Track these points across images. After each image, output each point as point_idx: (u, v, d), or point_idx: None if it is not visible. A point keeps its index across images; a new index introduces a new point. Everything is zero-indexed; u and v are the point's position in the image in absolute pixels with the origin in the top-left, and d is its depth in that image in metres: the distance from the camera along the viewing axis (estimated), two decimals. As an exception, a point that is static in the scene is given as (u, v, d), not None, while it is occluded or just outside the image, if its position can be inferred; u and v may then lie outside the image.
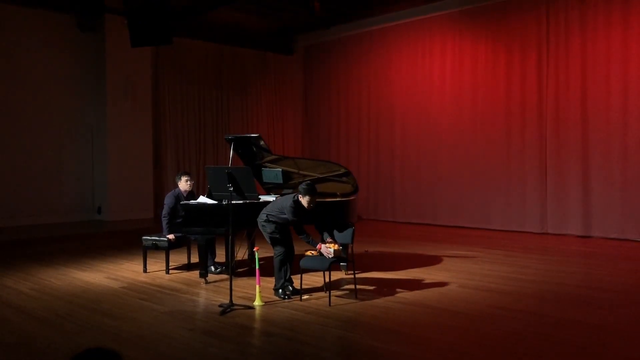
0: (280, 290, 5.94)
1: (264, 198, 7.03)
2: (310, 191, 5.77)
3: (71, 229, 10.68)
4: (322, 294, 6.06)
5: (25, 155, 11.05)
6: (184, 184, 7.41)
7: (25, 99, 11.08)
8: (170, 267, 7.37)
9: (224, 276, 6.83)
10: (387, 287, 6.34)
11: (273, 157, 7.78)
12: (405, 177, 12.88)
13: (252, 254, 7.77)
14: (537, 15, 10.73)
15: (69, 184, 11.65)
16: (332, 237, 6.02)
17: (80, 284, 6.70)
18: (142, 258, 7.48)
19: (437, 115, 12.25)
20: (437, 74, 12.28)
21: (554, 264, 7.75)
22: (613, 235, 9.80)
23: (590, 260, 8.19)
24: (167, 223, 7.29)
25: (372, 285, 6.49)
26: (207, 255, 6.90)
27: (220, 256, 7.38)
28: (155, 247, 7.33)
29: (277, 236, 5.96)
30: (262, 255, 6.84)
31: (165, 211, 7.34)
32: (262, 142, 7.51)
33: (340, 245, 5.88)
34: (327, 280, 6.02)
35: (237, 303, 5.56)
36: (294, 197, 5.85)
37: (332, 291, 5.89)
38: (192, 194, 7.49)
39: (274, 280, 6.05)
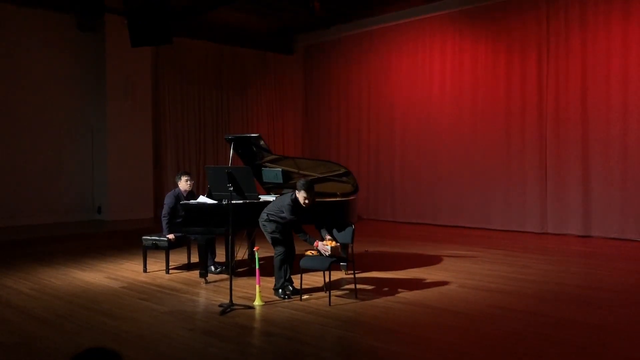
0: (280, 290, 5.94)
1: (264, 198, 7.03)
2: (305, 187, 5.77)
3: (71, 229, 10.67)
4: (322, 293, 6.06)
5: (25, 155, 11.05)
6: (184, 184, 7.41)
7: (25, 99, 11.08)
8: (170, 267, 7.37)
9: (224, 276, 6.83)
10: (387, 287, 6.34)
11: (273, 157, 7.78)
12: (405, 177, 12.88)
13: (252, 254, 7.77)
14: (537, 15, 10.72)
15: (69, 184, 11.65)
16: (332, 235, 6.02)
17: (80, 284, 6.70)
18: (142, 258, 7.48)
19: (437, 115, 12.25)
20: (437, 73, 12.28)
21: (554, 263, 7.75)
22: (613, 235, 9.80)
23: (591, 260, 8.19)
24: (167, 223, 7.29)
25: (372, 285, 6.49)
26: (207, 255, 6.90)
27: (220, 256, 7.38)
28: (155, 247, 7.33)
29: (278, 236, 5.96)
30: (262, 255, 6.84)
31: (165, 211, 7.34)
32: (262, 142, 7.51)
33: (338, 242, 5.88)
34: (327, 280, 6.01)
35: (237, 303, 5.56)
36: (292, 195, 5.86)
37: (332, 291, 5.88)
38: (192, 194, 7.49)
39: (274, 280, 6.05)
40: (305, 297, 5.92)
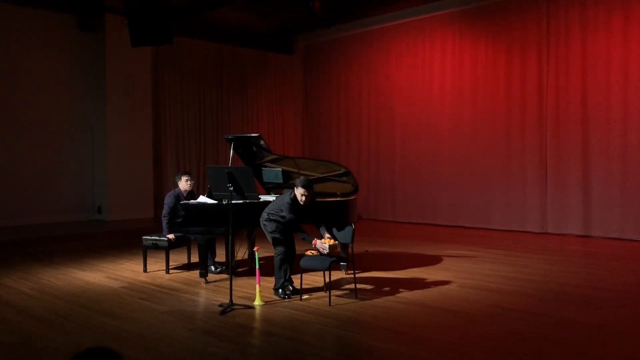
0: (280, 290, 5.94)
1: (264, 198, 7.03)
2: (303, 183, 5.79)
3: (71, 229, 10.68)
4: (322, 293, 6.06)
5: (25, 155, 11.05)
6: (184, 184, 7.41)
7: (25, 99, 11.08)
8: (170, 267, 7.37)
9: (224, 276, 6.83)
10: (387, 287, 6.34)
11: (273, 156, 7.78)
12: (405, 177, 12.88)
13: (252, 254, 7.76)
14: (537, 15, 10.72)
15: (69, 184, 11.65)
16: (331, 233, 6.01)
17: (80, 284, 6.70)
18: (142, 258, 7.48)
19: (437, 115, 12.25)
20: (437, 73, 12.28)
21: (554, 263, 7.75)
22: (613, 235, 9.80)
23: (591, 260, 8.19)
24: (167, 223, 7.29)
25: (372, 285, 6.49)
26: (207, 255, 6.90)
27: (221, 256, 7.38)
28: (156, 247, 7.33)
29: (278, 235, 5.96)
30: (262, 255, 6.84)
31: (165, 211, 7.34)
32: (262, 142, 7.51)
33: (336, 240, 5.87)
34: (327, 280, 6.01)
35: (237, 303, 5.56)
36: (291, 193, 5.87)
37: (332, 291, 5.88)
38: (192, 194, 7.49)
39: (274, 279, 6.05)
40: (305, 297, 5.92)
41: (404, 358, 4.26)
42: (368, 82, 13.59)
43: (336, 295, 5.93)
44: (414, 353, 4.32)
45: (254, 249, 6.14)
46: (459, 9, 11.81)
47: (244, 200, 6.45)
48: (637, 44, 9.58)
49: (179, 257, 8.00)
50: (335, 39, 14.17)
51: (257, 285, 5.71)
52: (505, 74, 11.17)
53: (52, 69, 11.43)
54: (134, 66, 11.94)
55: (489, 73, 11.42)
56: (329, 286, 5.91)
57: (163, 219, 7.33)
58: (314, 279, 6.65)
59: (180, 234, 7.27)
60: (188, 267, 7.61)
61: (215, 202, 6.74)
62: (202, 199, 6.94)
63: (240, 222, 6.55)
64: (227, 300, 5.54)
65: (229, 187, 5.71)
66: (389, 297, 5.91)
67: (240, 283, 6.57)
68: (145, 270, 7.38)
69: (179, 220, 7.23)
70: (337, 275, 6.86)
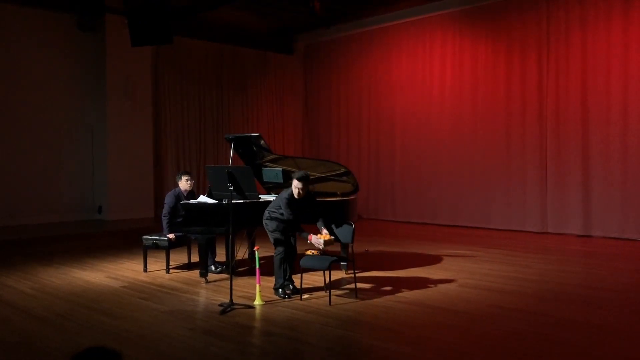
0: (280, 290, 5.94)
1: (264, 197, 7.04)
2: (298, 176, 5.80)
3: (71, 229, 10.68)
4: (322, 293, 6.06)
5: (25, 155, 11.05)
6: (184, 184, 7.41)
7: (25, 99, 11.08)
8: (170, 267, 7.37)
9: (224, 275, 6.83)
10: (387, 287, 6.34)
11: (273, 156, 7.78)
12: (405, 177, 12.88)
13: (252, 254, 7.76)
14: (537, 15, 10.72)
15: (69, 184, 11.65)
16: (331, 231, 6.00)
17: (80, 284, 6.71)
18: (142, 257, 7.49)
19: (437, 115, 12.25)
20: (437, 73, 12.28)
21: (554, 263, 7.75)
22: (613, 235, 9.80)
23: (591, 259, 8.19)
24: (167, 222, 7.29)
25: (372, 284, 6.49)
26: (207, 254, 6.90)
27: (221, 255, 7.38)
28: (156, 247, 7.33)
29: (278, 235, 5.96)
30: (262, 255, 6.85)
31: (165, 210, 7.34)
32: (262, 142, 7.51)
33: (332, 236, 5.86)
34: (327, 279, 6.01)
35: (237, 302, 5.56)
36: (289, 189, 5.87)
37: (332, 290, 5.89)
38: (193, 194, 7.49)
39: (274, 279, 6.05)
40: (305, 296, 5.92)
41: (404, 358, 4.26)
42: (368, 81, 13.60)
43: (336, 295, 5.93)
44: (414, 353, 4.32)
45: (254, 249, 6.14)
46: (459, 8, 11.81)
47: (244, 200, 6.45)
48: (637, 43, 9.58)
49: (179, 257, 8.00)
50: (335, 39, 14.17)
51: (257, 285, 5.72)
52: (505, 74, 11.17)
53: (52, 69, 11.43)
54: (134, 66, 11.94)
55: (489, 73, 11.42)
56: (329, 286, 5.91)
57: (163, 218, 7.34)
58: (314, 278, 6.65)
59: (180, 234, 7.28)
60: (188, 266, 7.61)
61: (216, 201, 6.75)
62: (203, 198, 6.95)
63: (241, 221, 6.56)
64: (227, 300, 5.54)
65: (229, 186, 5.71)
66: (389, 297, 5.91)
67: (240, 283, 6.57)
68: (145, 270, 7.38)
69: (179, 219, 7.24)
70: (337, 275, 6.86)
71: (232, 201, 5.85)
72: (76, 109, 11.80)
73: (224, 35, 13.49)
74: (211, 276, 6.90)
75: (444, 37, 12.14)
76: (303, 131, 15.26)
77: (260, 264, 5.85)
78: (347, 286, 6.37)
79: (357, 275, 6.42)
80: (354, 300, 5.79)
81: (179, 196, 7.35)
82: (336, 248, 7.14)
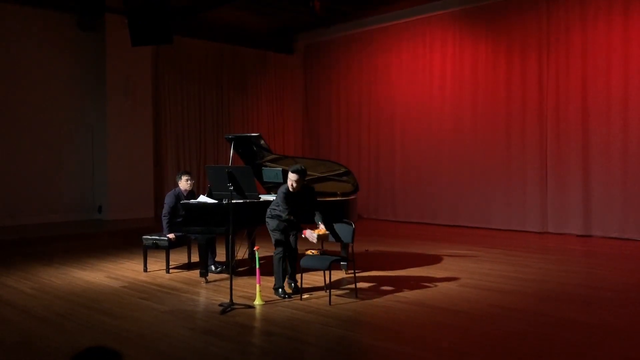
0: (280, 290, 5.94)
1: (264, 197, 7.04)
2: (293, 169, 5.80)
3: (72, 228, 10.68)
4: (322, 293, 6.06)
5: (25, 155, 11.05)
6: (184, 184, 7.41)
7: (25, 99, 11.08)
8: (170, 267, 7.37)
9: (224, 275, 6.83)
10: (387, 287, 6.34)
11: (273, 156, 7.78)
12: (405, 177, 12.88)
13: (252, 253, 7.76)
14: (537, 15, 10.72)
15: (69, 184, 11.65)
16: (331, 228, 5.99)
17: (80, 283, 6.70)
18: (142, 257, 7.48)
19: (438, 114, 12.25)
20: (438, 72, 12.27)
21: (554, 263, 7.75)
22: (613, 235, 9.80)
23: (591, 259, 8.19)
24: (167, 222, 7.29)
25: (372, 284, 6.49)
26: (207, 254, 6.90)
27: (221, 255, 7.38)
28: (156, 247, 7.33)
29: (278, 234, 5.96)
30: (262, 255, 6.84)
31: (165, 210, 7.34)
32: (262, 142, 7.51)
33: (334, 236, 5.85)
34: (327, 279, 6.01)
35: (237, 302, 5.56)
36: (286, 184, 5.88)
37: (332, 290, 5.88)
38: (193, 194, 7.49)
39: (274, 279, 6.05)
40: (305, 296, 5.92)
41: (404, 358, 4.26)
42: (368, 81, 13.59)
43: (336, 295, 5.93)
44: (414, 353, 4.32)
45: (254, 249, 6.14)
46: (459, 8, 11.81)
47: (244, 200, 6.45)
48: (637, 43, 9.58)
49: (179, 257, 8.00)
50: (335, 38, 14.16)
51: (257, 285, 5.71)
52: (506, 73, 11.17)
53: (52, 68, 11.43)
54: (134, 66, 11.94)
55: (489, 73, 11.42)
56: (329, 286, 5.90)
57: (163, 218, 7.33)
58: (314, 278, 6.65)
59: (180, 234, 7.27)
60: (188, 266, 7.61)
61: (216, 201, 6.74)
62: (202, 198, 6.94)
63: (241, 221, 6.55)
64: (227, 300, 5.54)
65: (229, 186, 5.70)
66: (389, 297, 5.91)
67: (240, 283, 6.57)
68: (145, 270, 7.38)
69: (179, 219, 7.23)
70: (337, 274, 6.86)
71: (232, 201, 5.85)
72: (76, 109, 11.80)
73: (224, 35, 13.49)
74: (211, 276, 6.90)
75: (444, 36, 12.14)
76: (303, 131, 15.26)
77: (260, 264, 5.85)
78: (347, 286, 6.37)
79: (357, 275, 6.42)
80: (354, 300, 5.79)
81: (179, 196, 7.35)
82: (336, 248, 7.16)
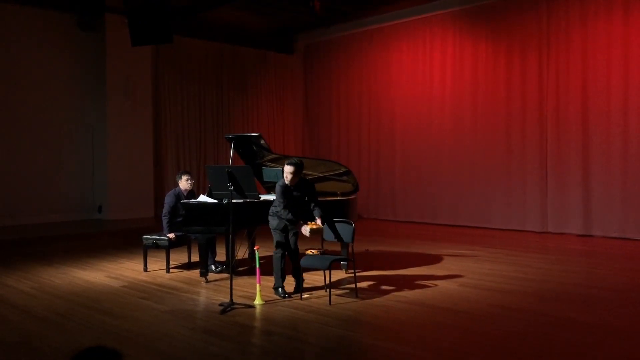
0: (280, 289, 5.94)
1: (264, 197, 7.03)
2: (289, 162, 5.82)
3: (72, 228, 10.68)
4: (322, 292, 6.05)
5: (25, 155, 11.05)
6: (184, 183, 7.41)
7: (25, 99, 11.08)
8: (170, 266, 7.37)
9: (225, 275, 6.83)
10: (387, 286, 6.34)
11: (273, 156, 7.78)
12: (405, 176, 12.88)
13: (252, 253, 7.77)
14: (537, 14, 10.72)
15: (70, 184, 11.66)
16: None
17: (80, 283, 6.70)
18: (142, 257, 7.48)
19: (438, 114, 12.25)
20: (438, 72, 12.27)
21: (554, 263, 7.75)
22: (614, 234, 9.80)
23: (591, 259, 8.19)
24: (167, 222, 7.29)
25: (372, 284, 6.49)
26: (207, 254, 6.90)
27: (221, 255, 7.38)
28: (156, 246, 7.33)
29: (278, 233, 5.96)
30: (262, 254, 6.84)
31: (165, 210, 7.34)
32: (262, 141, 7.51)
33: (322, 224, 5.82)
34: (327, 279, 6.01)
35: (237, 302, 5.56)
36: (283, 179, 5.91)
37: (332, 290, 5.88)
38: (193, 193, 7.49)
39: (274, 279, 6.05)
40: (305, 296, 5.92)
41: (404, 357, 4.26)
42: (368, 81, 13.59)
43: (336, 295, 5.93)
44: (414, 352, 4.32)
45: (254, 248, 6.13)
46: (459, 8, 11.80)
47: (244, 200, 6.44)
48: (637, 43, 9.57)
49: (179, 257, 8.00)
50: (335, 38, 14.17)
51: (258, 285, 5.71)
52: (506, 73, 11.17)
53: (52, 68, 11.43)
54: (134, 66, 11.94)
55: (489, 72, 11.42)
56: (330, 285, 5.90)
57: (163, 218, 7.33)
58: (314, 278, 6.65)
59: (180, 233, 7.27)
60: (188, 266, 7.61)
61: (216, 201, 6.74)
62: (203, 198, 6.94)
63: (241, 221, 6.55)
64: (227, 300, 5.54)
65: (229, 186, 5.70)
66: (389, 297, 5.91)
67: (240, 282, 6.57)
68: (145, 270, 7.38)
69: (179, 219, 7.23)
70: (337, 274, 6.85)
71: (232, 201, 5.85)
72: (76, 109, 11.80)
73: (224, 35, 13.49)
74: (211, 276, 6.90)
75: (444, 36, 12.14)
76: (303, 131, 15.26)
77: (260, 264, 5.85)
78: (348, 286, 6.36)
79: (357, 274, 6.41)
80: (354, 299, 5.79)
81: (179, 196, 7.35)
82: (336, 248, 7.16)
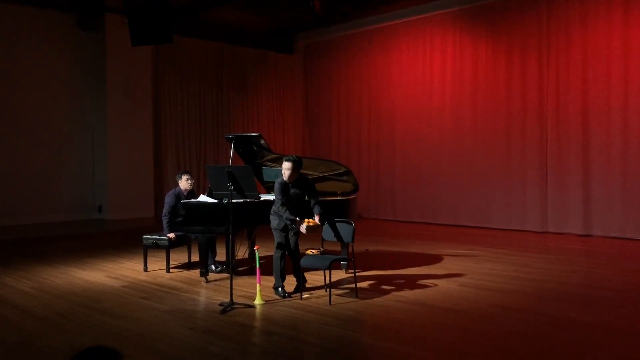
0: (280, 289, 5.94)
1: (264, 197, 7.03)
2: (287, 157, 5.84)
3: (72, 228, 10.68)
4: (322, 292, 6.06)
5: (25, 155, 11.05)
6: (184, 183, 7.41)
7: (26, 99, 11.08)
8: (170, 266, 7.37)
9: (225, 275, 6.83)
10: (387, 286, 6.34)
11: (273, 155, 7.78)
12: (405, 176, 12.88)
13: (252, 253, 7.77)
14: (537, 14, 10.72)
15: (70, 183, 11.66)
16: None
17: (80, 283, 6.71)
18: (142, 257, 7.48)
19: (438, 114, 12.25)
20: (438, 72, 12.27)
21: (554, 262, 7.75)
22: (614, 234, 9.80)
23: (591, 259, 8.19)
24: (167, 222, 7.29)
25: (372, 284, 6.49)
26: (207, 254, 6.90)
27: (221, 255, 7.38)
28: (156, 246, 7.33)
29: (278, 232, 5.96)
30: (262, 254, 6.84)
31: (165, 210, 7.34)
32: (262, 141, 7.51)
33: (321, 222, 5.82)
34: (327, 279, 6.01)
35: (237, 302, 5.56)
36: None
37: (332, 290, 5.88)
38: (193, 193, 7.49)
39: (274, 279, 6.05)
40: (305, 296, 5.92)
41: (404, 357, 4.26)
42: (368, 81, 13.59)
43: (336, 295, 5.93)
44: (414, 352, 4.32)
45: (255, 248, 6.14)
46: (458, 8, 11.80)
47: (244, 200, 6.44)
48: (637, 43, 9.57)
49: (179, 256, 8.00)
50: (335, 38, 14.17)
51: (258, 285, 5.71)
52: (506, 72, 11.17)
53: (52, 68, 11.43)
54: (134, 66, 11.95)
55: (489, 72, 11.42)
56: (330, 285, 5.90)
57: (163, 218, 7.34)
58: (314, 277, 6.64)
59: (180, 233, 7.27)
60: (188, 266, 7.61)
61: (216, 201, 6.74)
62: (203, 198, 6.94)
63: (241, 221, 6.55)
64: (227, 300, 5.54)
65: (229, 186, 5.70)
66: (389, 296, 5.91)
67: (240, 282, 6.57)
68: (145, 270, 7.38)
69: (179, 219, 7.24)
70: (337, 274, 6.85)
71: (232, 200, 5.85)
72: (76, 109, 11.81)
73: (224, 35, 13.49)
74: (211, 276, 6.90)
75: (444, 36, 12.14)
76: (303, 131, 15.26)
77: (260, 264, 5.85)
78: (348, 286, 6.36)
79: (357, 274, 6.41)
80: (354, 299, 5.79)
81: (179, 195, 7.36)
82: (336, 247, 7.16)
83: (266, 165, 7.74)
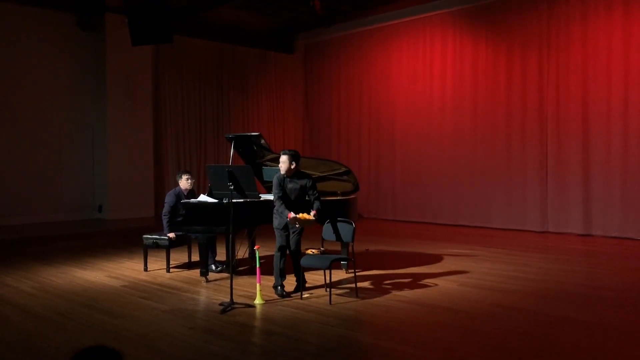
0: (280, 289, 5.94)
1: (264, 197, 7.03)
2: (284, 151, 5.86)
3: (72, 228, 10.68)
4: (322, 292, 6.06)
5: (25, 155, 11.05)
6: (184, 183, 7.42)
7: (26, 99, 11.09)
8: (171, 266, 7.37)
9: (225, 275, 6.84)
10: (387, 286, 6.34)
11: (273, 155, 7.77)
12: (405, 176, 12.88)
13: (252, 253, 7.77)
14: (537, 13, 10.72)
15: (70, 183, 11.66)
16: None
17: (81, 283, 6.71)
18: (142, 256, 7.49)
19: (438, 114, 12.25)
20: (438, 72, 12.27)
21: (554, 262, 7.75)
22: (614, 234, 9.80)
23: (591, 258, 8.19)
24: (167, 222, 7.29)
25: (372, 283, 6.49)
26: (207, 253, 6.90)
27: (221, 255, 7.38)
28: (156, 246, 7.33)
29: (279, 232, 5.96)
30: (262, 254, 6.84)
31: (165, 210, 7.34)
32: (262, 141, 7.51)
33: (313, 216, 5.79)
34: (327, 278, 6.01)
35: (237, 301, 5.56)
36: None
37: (332, 289, 5.89)
38: (193, 193, 7.49)
39: (274, 278, 6.05)
40: (305, 295, 5.92)
41: (404, 357, 4.26)
42: (368, 80, 13.60)
43: (337, 294, 5.93)
44: (414, 352, 4.32)
45: (255, 248, 6.14)
46: (459, 7, 11.81)
47: (245, 199, 6.44)
48: (637, 43, 9.57)
49: (179, 256, 8.00)
50: (335, 38, 14.17)
51: (258, 284, 5.72)
52: (506, 72, 11.17)
53: (52, 68, 11.43)
54: (134, 66, 11.95)
55: (489, 72, 11.42)
56: (330, 285, 5.90)
57: (164, 217, 7.34)
58: (314, 277, 6.64)
59: (180, 233, 7.27)
60: (189, 265, 7.61)
61: (216, 201, 6.74)
62: (203, 197, 6.94)
63: (241, 220, 6.55)
64: (227, 299, 5.54)
65: (230, 186, 5.71)
66: (390, 296, 5.91)
67: (240, 282, 6.57)
68: (145, 269, 7.38)
69: (179, 219, 7.24)
70: (337, 274, 6.86)
71: (233, 200, 5.85)
72: (76, 109, 11.81)
73: (224, 35, 13.50)
74: (211, 275, 6.91)
75: (444, 36, 12.14)
76: (303, 131, 15.26)
77: (260, 263, 5.85)
78: (348, 285, 6.37)
79: (357, 274, 6.42)
80: (355, 299, 5.79)
81: (179, 195, 7.36)
82: (336, 247, 7.15)
83: (266, 165, 7.74)
